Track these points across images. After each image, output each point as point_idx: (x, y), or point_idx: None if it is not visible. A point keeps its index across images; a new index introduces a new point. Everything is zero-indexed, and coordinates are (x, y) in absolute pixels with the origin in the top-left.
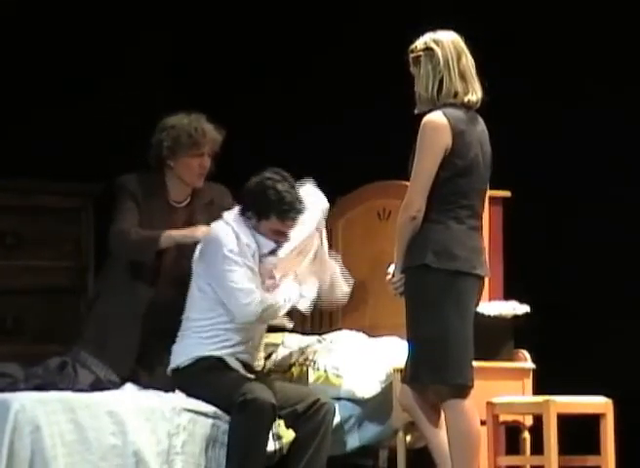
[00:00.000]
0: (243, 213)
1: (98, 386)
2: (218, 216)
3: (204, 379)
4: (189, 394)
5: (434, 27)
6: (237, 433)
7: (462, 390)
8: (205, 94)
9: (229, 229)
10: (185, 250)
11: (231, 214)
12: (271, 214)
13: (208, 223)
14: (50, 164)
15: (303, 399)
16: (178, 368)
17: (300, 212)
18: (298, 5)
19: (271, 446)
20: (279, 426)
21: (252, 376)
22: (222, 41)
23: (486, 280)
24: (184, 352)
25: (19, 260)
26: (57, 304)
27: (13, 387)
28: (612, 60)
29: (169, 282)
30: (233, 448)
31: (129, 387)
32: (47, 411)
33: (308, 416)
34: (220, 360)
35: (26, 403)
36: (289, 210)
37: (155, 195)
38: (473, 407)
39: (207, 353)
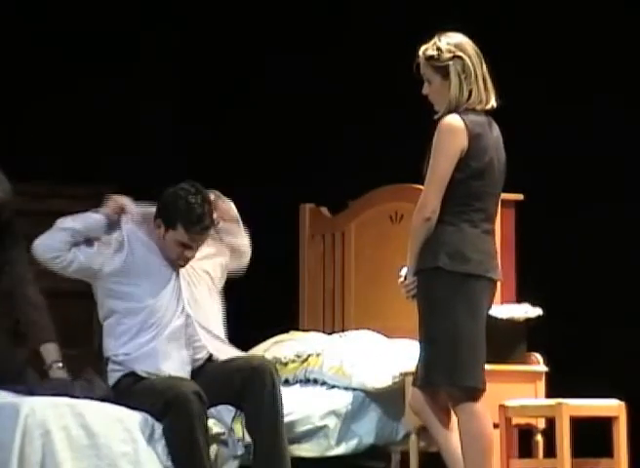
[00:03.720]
0: (154, 220)
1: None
2: None
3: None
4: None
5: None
6: (171, 435)
7: (475, 393)
8: (204, 101)
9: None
10: None
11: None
12: (178, 224)
13: None
14: (61, 167)
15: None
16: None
17: (206, 228)
18: (299, 5)
19: (238, 448)
20: (236, 422)
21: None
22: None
23: (498, 283)
24: None
25: (32, 264)
26: (68, 308)
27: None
28: (626, 64)
29: None
30: (174, 451)
31: None
32: (56, 415)
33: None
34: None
35: (36, 406)
36: (196, 222)
37: None
38: (485, 409)
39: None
